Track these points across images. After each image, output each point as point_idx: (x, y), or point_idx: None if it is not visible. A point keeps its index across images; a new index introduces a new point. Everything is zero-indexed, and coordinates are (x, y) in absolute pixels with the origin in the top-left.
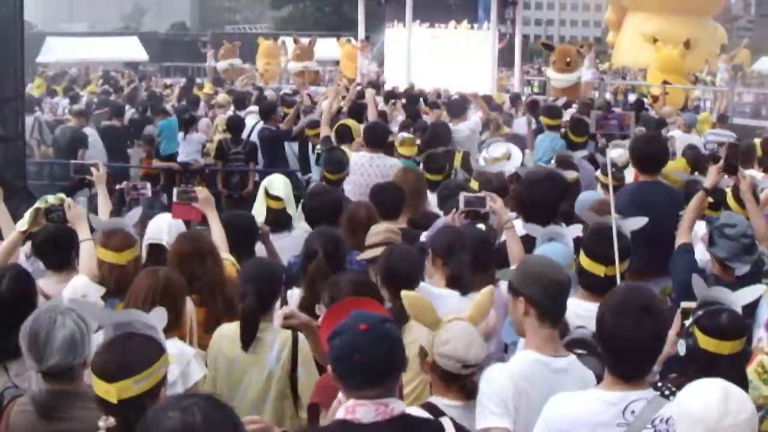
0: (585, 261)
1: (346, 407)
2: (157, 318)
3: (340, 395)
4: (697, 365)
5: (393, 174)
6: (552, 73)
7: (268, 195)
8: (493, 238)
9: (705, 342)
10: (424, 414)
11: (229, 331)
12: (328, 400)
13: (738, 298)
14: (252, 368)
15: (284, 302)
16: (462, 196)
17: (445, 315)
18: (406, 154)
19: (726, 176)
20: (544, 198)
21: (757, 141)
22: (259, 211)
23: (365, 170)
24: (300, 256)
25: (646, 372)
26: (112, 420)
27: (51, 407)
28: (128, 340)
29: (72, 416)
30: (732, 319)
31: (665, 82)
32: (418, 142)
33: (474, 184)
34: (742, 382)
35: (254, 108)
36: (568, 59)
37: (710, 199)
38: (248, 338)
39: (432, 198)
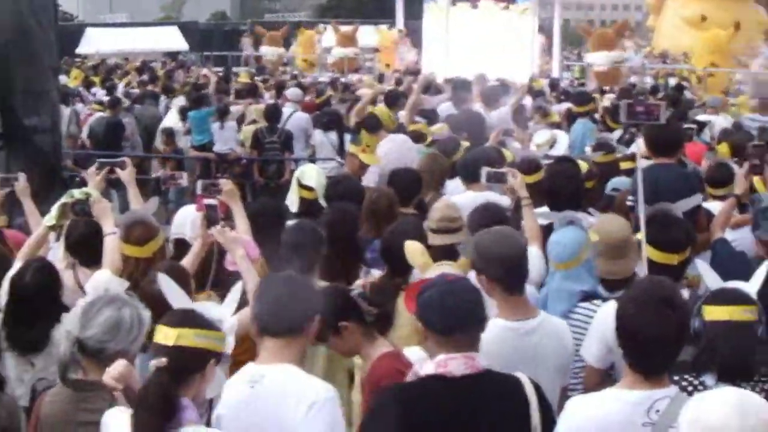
0: (655, 254)
1: (437, 362)
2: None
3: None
4: (704, 340)
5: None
6: (591, 55)
7: (300, 185)
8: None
9: (708, 312)
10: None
11: None
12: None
13: (753, 288)
14: None
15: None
16: (484, 171)
17: None
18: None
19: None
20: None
21: None
22: (292, 200)
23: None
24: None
25: (666, 368)
26: (164, 360)
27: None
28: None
29: (97, 408)
30: (736, 291)
31: (712, 65)
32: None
33: None
34: (751, 356)
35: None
36: (607, 39)
37: None
38: None
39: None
